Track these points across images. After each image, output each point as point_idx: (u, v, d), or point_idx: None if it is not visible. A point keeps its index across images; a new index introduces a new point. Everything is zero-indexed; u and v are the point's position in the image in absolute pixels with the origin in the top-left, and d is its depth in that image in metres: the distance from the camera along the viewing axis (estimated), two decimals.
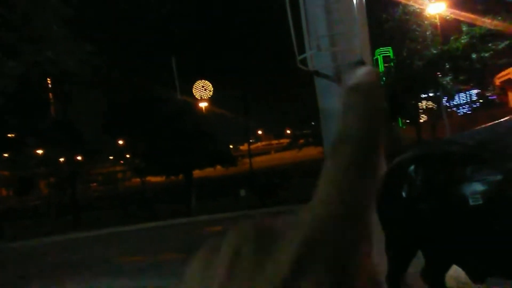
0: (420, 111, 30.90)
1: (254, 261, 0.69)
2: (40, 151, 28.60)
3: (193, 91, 50.24)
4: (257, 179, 25.43)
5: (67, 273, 8.46)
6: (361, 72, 0.97)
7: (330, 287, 0.64)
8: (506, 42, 13.91)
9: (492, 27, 13.61)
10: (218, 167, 24.33)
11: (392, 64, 17.17)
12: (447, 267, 3.34)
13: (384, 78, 16.09)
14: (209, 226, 15.30)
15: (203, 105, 39.03)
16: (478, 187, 2.63)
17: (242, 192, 24.49)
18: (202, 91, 56.14)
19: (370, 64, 4.73)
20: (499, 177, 2.60)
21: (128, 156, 29.67)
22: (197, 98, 46.82)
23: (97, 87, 20.65)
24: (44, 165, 29.04)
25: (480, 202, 2.60)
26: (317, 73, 4.70)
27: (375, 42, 18.40)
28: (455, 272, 4.09)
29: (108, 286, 6.79)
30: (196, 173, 24.38)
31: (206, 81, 54.86)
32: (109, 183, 46.40)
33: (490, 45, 14.11)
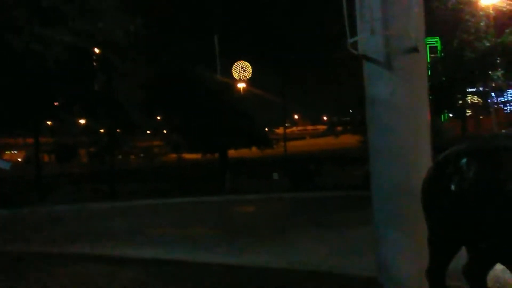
0: (467, 105, 29.80)
1: None
2: (83, 121, 29.58)
3: (232, 71, 50.21)
4: (291, 164, 25.33)
5: (97, 240, 8.73)
6: None
7: None
8: None
9: None
10: (253, 148, 24.40)
11: (440, 55, 16.54)
12: (492, 266, 3.22)
13: (430, 70, 15.57)
14: (241, 206, 15.46)
15: (241, 86, 39.08)
16: None
17: (275, 175, 24.50)
18: (241, 72, 56.08)
19: (423, 51, 4.54)
20: None
21: (165, 131, 30.25)
22: (236, 79, 46.74)
23: (141, 60, 20.90)
24: (85, 134, 30.07)
25: None
26: (367, 58, 4.56)
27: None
28: (495, 272, 3.96)
29: (138, 255, 6.96)
30: (231, 153, 24.53)
31: (246, 62, 54.60)
32: (146, 157, 47.58)
33: None
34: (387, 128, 4.44)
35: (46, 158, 46.12)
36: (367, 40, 4.47)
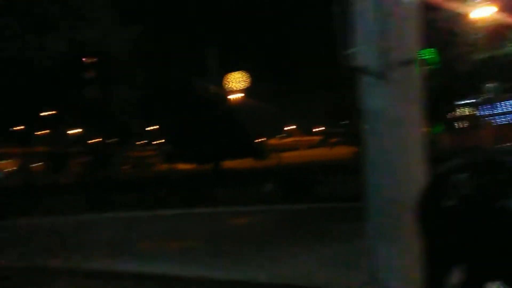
0: (458, 117, 30.03)
1: None
2: (75, 131, 29.36)
3: (229, 81, 50.18)
4: (285, 175, 25.17)
5: (85, 251, 8.56)
6: None
7: None
8: None
9: None
10: (248, 159, 24.31)
11: (434, 67, 16.65)
12: (487, 284, 3.13)
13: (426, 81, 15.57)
14: (232, 217, 15.27)
15: (238, 96, 39.07)
16: None
17: (269, 186, 24.29)
18: (238, 81, 55.92)
19: (419, 64, 4.48)
20: None
21: (158, 142, 30.13)
22: (233, 88, 46.75)
23: (135, 69, 20.80)
24: (77, 144, 29.84)
25: None
26: (363, 70, 4.49)
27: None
28: None
29: (126, 269, 6.81)
30: (226, 163, 24.36)
31: (243, 72, 54.49)
32: (138, 167, 47.26)
33: None
34: (382, 141, 4.39)
35: (40, 167, 45.57)
36: (363, 52, 4.42)
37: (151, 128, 27.18)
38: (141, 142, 34.02)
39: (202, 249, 8.74)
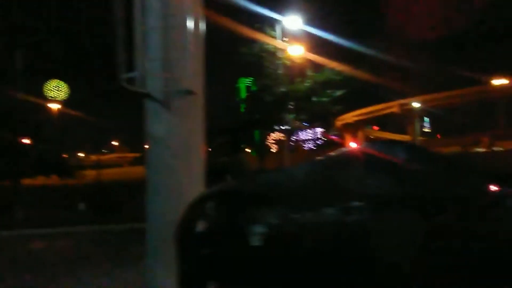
0: (272, 142, 32.95)
1: None
2: None
3: (45, 90, 45.32)
4: (98, 193, 23.82)
5: None
6: None
7: None
8: (342, 91, 15.84)
9: (331, 76, 15.41)
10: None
11: (245, 95, 18.14)
12: None
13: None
14: (33, 241, 13.77)
15: (54, 106, 35.84)
16: (259, 229, 2.76)
17: (81, 206, 22.67)
18: (55, 91, 51.00)
19: (199, 94, 4.78)
20: (276, 220, 2.76)
21: None
22: (48, 99, 42.43)
23: None
24: None
25: (261, 243, 2.73)
26: (146, 95, 4.59)
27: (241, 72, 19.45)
28: None
29: None
30: (37, 181, 21.84)
31: (61, 81, 49.97)
32: None
33: (328, 91, 15.85)
34: (163, 167, 4.53)
35: None
36: (148, 78, 4.52)
37: None
38: None
39: None
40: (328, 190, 2.80)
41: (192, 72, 4.57)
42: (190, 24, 4.47)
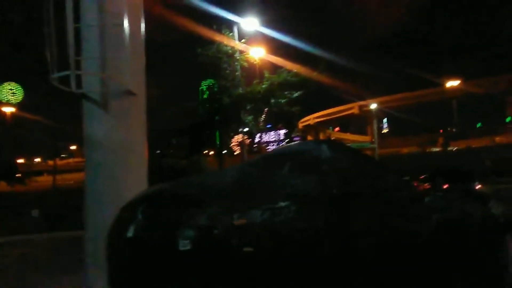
0: (235, 144, 32.88)
1: None
2: None
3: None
4: (51, 199, 22.98)
5: None
6: None
7: None
8: (299, 92, 15.92)
9: (288, 78, 15.48)
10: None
11: (205, 96, 17.94)
12: None
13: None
14: None
15: (7, 110, 34.45)
16: (189, 232, 2.69)
17: (35, 213, 21.79)
18: (10, 94, 48.96)
19: (140, 95, 4.64)
20: (206, 221, 2.70)
21: None
22: (2, 102, 40.87)
23: None
24: None
25: (190, 247, 2.66)
26: (81, 96, 4.42)
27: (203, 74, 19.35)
28: None
29: None
30: None
31: (16, 84, 47.99)
32: None
33: (286, 93, 15.90)
34: (102, 170, 4.36)
35: None
36: (85, 77, 4.35)
37: None
38: None
39: None
40: (256, 191, 2.76)
41: (131, 72, 4.42)
42: (128, 22, 4.33)
